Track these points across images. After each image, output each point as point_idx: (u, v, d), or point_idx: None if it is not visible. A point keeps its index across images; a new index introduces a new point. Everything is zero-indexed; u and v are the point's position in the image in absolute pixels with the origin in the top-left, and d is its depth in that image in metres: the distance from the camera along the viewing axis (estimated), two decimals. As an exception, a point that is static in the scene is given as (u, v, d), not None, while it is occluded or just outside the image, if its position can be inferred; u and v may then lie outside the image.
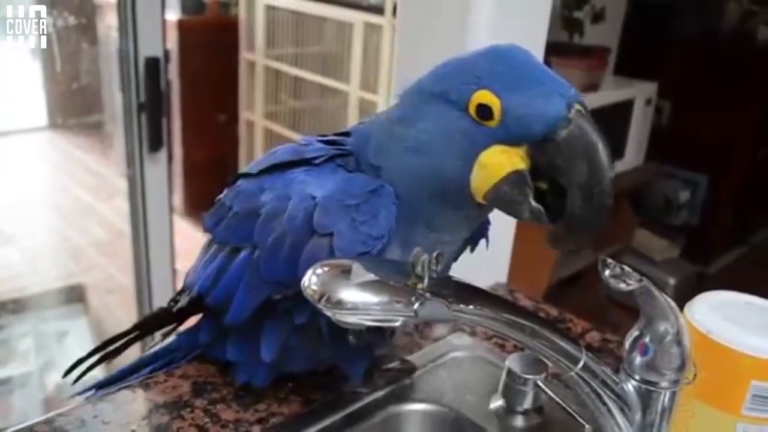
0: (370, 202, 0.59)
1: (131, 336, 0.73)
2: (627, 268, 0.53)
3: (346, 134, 0.67)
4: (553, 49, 2.17)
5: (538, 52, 0.95)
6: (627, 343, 0.59)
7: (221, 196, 0.69)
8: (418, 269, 0.50)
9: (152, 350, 0.79)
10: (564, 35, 2.40)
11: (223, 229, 0.67)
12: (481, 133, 0.54)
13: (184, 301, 0.71)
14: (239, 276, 0.64)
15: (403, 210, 0.60)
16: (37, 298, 2.45)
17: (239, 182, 0.68)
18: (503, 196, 0.54)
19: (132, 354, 0.81)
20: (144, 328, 0.74)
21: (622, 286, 0.53)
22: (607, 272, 0.54)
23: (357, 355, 0.69)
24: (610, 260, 0.54)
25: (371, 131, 0.64)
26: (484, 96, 0.53)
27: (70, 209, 3.11)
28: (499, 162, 0.54)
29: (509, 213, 0.56)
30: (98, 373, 0.77)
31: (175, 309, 0.71)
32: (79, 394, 0.76)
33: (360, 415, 0.71)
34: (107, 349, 0.73)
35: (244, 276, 0.64)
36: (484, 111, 0.54)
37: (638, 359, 0.58)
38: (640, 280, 0.54)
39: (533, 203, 0.54)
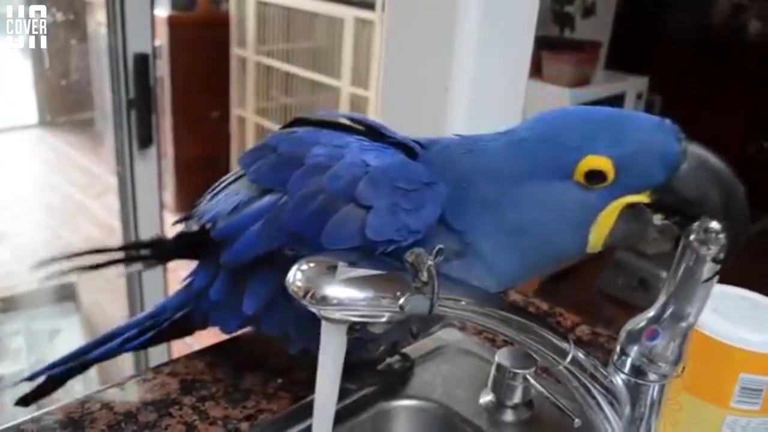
0: (420, 192, 0.57)
1: (116, 259, 0.69)
2: (715, 228, 0.51)
3: (417, 142, 0.64)
4: (544, 44, 2.17)
5: (527, 47, 0.94)
6: (628, 328, 0.59)
7: (267, 138, 0.66)
8: (423, 275, 0.48)
9: (136, 317, 0.76)
10: (555, 30, 2.40)
11: (259, 167, 0.63)
12: (596, 197, 0.53)
13: (190, 226, 0.68)
14: (257, 216, 0.61)
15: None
16: (29, 296, 2.44)
17: (296, 128, 0.65)
18: (622, 235, 0.54)
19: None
20: (131, 250, 0.70)
21: (703, 250, 0.52)
22: (692, 236, 0.53)
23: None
24: (696, 223, 0.52)
25: (450, 176, 0.59)
26: (592, 161, 0.52)
27: (61, 207, 3.10)
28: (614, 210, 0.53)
29: (633, 247, 0.56)
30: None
31: (177, 235, 0.69)
32: (61, 365, 0.75)
33: (349, 412, 0.70)
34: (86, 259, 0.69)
35: (262, 218, 0.60)
36: (595, 176, 0.52)
37: (637, 346, 0.58)
38: (721, 248, 0.52)
39: (657, 223, 0.53)
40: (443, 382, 0.76)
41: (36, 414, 0.68)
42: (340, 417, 0.69)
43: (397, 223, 0.55)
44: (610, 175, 0.52)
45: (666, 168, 0.51)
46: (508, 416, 0.71)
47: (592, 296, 2.69)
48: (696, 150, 0.52)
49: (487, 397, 0.73)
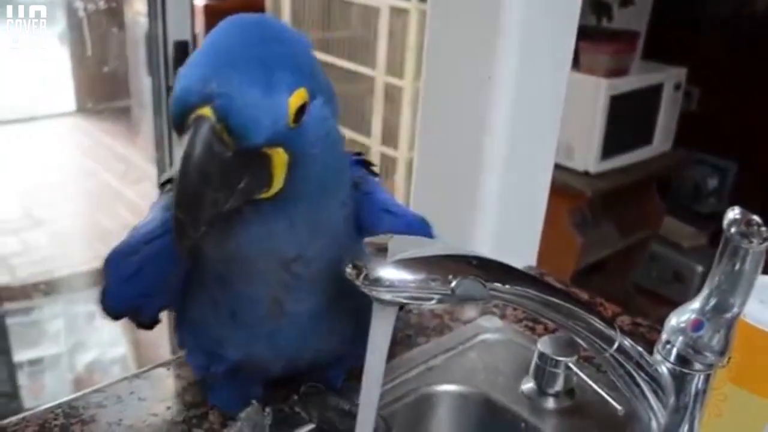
0: (140, 254, 0.58)
1: None
2: (757, 221, 0.51)
3: None
4: (581, 33, 2.14)
5: (570, 35, 0.94)
6: (673, 318, 0.58)
7: None
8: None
9: None
10: (592, 19, 2.38)
11: None
12: None
13: None
14: None
15: None
16: (67, 280, 2.49)
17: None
18: None
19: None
20: None
21: (744, 244, 0.52)
22: (733, 229, 0.52)
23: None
24: (738, 212, 0.52)
25: None
26: None
27: (98, 193, 3.15)
28: None
29: None
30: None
31: None
32: None
33: (392, 396, 0.71)
34: None
35: None
36: None
37: (682, 336, 0.57)
38: (764, 240, 0.51)
39: None
40: (484, 368, 0.76)
41: (86, 391, 0.69)
42: (383, 400, 0.70)
43: (126, 294, 0.59)
44: None
45: (173, 115, 0.46)
46: (550, 404, 0.71)
47: (626, 289, 2.66)
48: (193, 137, 0.44)
49: (528, 385, 0.73)
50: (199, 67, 0.45)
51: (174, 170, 0.47)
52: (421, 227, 0.64)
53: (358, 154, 0.65)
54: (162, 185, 0.63)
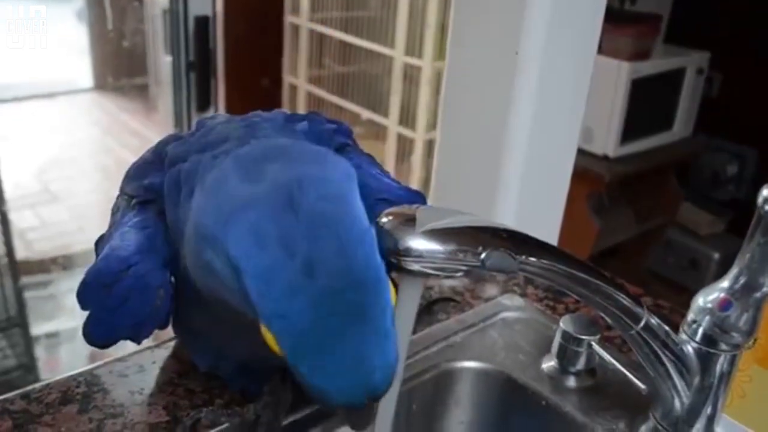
0: (121, 283, 0.53)
1: None
2: None
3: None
4: (604, 15, 2.12)
5: (598, 13, 0.93)
6: (701, 297, 0.58)
7: None
8: None
9: None
10: (615, 1, 2.35)
11: None
12: None
13: None
14: None
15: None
16: (84, 255, 2.50)
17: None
18: None
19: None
20: None
21: None
22: (767, 207, 0.53)
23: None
24: None
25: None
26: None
27: (115, 169, 3.17)
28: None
29: None
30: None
31: None
32: None
33: (412, 373, 0.71)
34: None
35: None
36: None
37: (710, 315, 0.57)
38: None
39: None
40: (505, 346, 0.76)
41: (108, 360, 0.70)
42: (403, 378, 0.70)
43: (110, 326, 0.54)
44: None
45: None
46: (571, 382, 0.71)
47: (641, 275, 2.65)
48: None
49: (549, 363, 0.72)
50: (348, 344, 0.40)
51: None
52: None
53: (338, 123, 0.64)
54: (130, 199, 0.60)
